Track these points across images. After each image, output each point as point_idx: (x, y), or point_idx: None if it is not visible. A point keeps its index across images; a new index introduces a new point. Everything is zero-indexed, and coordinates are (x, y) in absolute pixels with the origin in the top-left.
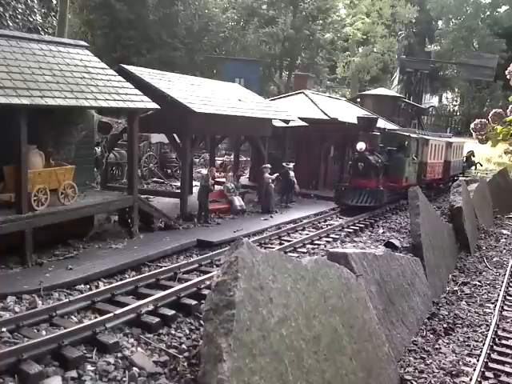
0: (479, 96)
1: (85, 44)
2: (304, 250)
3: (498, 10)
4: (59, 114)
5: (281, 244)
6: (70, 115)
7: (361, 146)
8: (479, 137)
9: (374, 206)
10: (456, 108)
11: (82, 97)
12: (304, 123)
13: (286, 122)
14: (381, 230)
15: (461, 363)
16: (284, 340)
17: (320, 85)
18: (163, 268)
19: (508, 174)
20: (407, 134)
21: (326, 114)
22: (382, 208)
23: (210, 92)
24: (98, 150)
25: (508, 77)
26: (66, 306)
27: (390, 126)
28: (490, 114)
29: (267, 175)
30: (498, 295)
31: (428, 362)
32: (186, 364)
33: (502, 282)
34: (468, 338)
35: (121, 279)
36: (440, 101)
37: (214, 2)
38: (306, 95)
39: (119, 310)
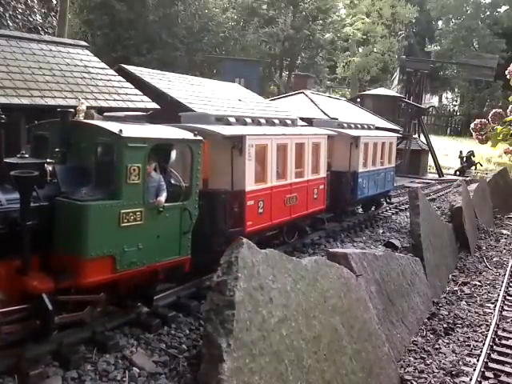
0: (479, 96)
1: (85, 44)
2: None
3: (498, 10)
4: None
5: None
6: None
7: None
8: (479, 137)
9: None
10: (456, 108)
11: (82, 97)
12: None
13: None
14: (381, 230)
15: (461, 363)
16: (284, 340)
17: (320, 85)
18: None
19: (508, 174)
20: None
21: (325, 114)
22: (382, 208)
23: (210, 92)
24: None
25: (508, 77)
26: None
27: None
28: (490, 114)
29: None
30: (498, 295)
31: (428, 361)
32: (185, 364)
33: (502, 282)
34: (468, 337)
35: None
36: (440, 101)
37: (214, 2)
38: (306, 95)
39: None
